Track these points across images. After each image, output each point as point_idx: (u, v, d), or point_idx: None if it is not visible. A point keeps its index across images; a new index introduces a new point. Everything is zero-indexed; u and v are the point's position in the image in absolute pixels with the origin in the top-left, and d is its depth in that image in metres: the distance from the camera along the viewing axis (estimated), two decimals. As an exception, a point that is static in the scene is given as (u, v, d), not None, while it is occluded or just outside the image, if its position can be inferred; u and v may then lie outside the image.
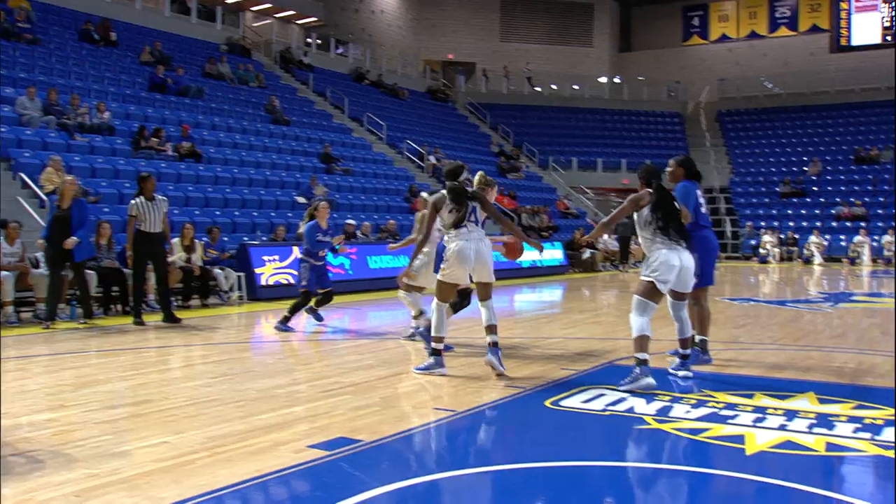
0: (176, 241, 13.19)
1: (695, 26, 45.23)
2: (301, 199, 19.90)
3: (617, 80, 43.75)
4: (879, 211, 31.67)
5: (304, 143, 24.30)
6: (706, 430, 5.43)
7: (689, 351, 7.38)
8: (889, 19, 38.89)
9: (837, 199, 32.65)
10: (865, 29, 39.17)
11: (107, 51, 23.35)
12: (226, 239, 15.40)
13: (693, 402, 6.24)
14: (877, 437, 5.25)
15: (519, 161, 34.56)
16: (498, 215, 7.82)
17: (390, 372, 7.70)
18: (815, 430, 5.45)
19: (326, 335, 10.60)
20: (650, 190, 7.06)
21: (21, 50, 20.59)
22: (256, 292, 14.33)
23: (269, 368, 8.01)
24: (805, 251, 29.55)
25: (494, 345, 7.38)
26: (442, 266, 7.50)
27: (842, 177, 34.45)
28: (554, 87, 42.06)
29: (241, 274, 14.24)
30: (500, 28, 44.37)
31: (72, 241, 10.53)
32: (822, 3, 42.08)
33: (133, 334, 10.17)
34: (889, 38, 38.37)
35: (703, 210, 8.01)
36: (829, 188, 33.90)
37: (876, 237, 29.45)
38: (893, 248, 28.34)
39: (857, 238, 28.98)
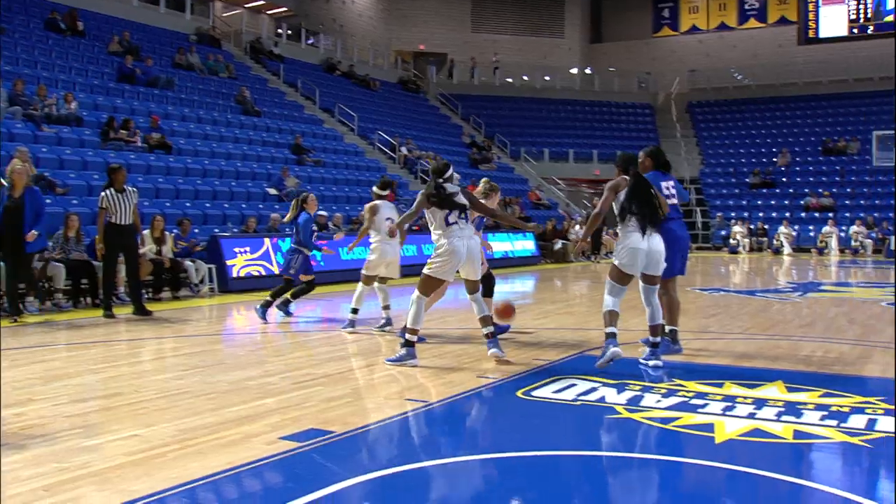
0: (146, 233, 13.09)
1: (665, 18, 45.42)
2: (272, 191, 19.82)
3: (588, 71, 43.87)
4: (847, 202, 32.06)
5: (275, 135, 24.18)
6: (676, 418, 5.48)
7: (659, 339, 7.45)
8: (855, 12, 39.27)
9: (806, 190, 33.00)
10: (832, 21, 39.52)
11: (74, 41, 23.07)
12: (196, 231, 15.30)
13: (663, 391, 6.30)
14: (843, 425, 5.33)
15: (490, 152, 34.59)
16: (491, 211, 7.92)
17: (362, 363, 7.70)
18: (783, 418, 5.51)
19: (298, 326, 10.57)
20: (626, 177, 7.26)
21: (-14, 39, 20.30)
22: (228, 284, 14.25)
23: (241, 360, 7.99)
24: (774, 241, 29.85)
25: (492, 335, 7.53)
26: (430, 261, 7.53)
27: (810, 168, 34.81)
28: (525, 78, 42.09)
29: (212, 266, 14.15)
30: (472, 19, 44.30)
31: (31, 236, 10.31)
32: (791, -5, 42.44)
33: (103, 327, 10.09)
34: (855, 30, 38.76)
35: (671, 202, 8.08)
36: (798, 179, 34.24)
37: (843, 227, 29.82)
38: (861, 239, 28.71)
39: (826, 228, 29.33)
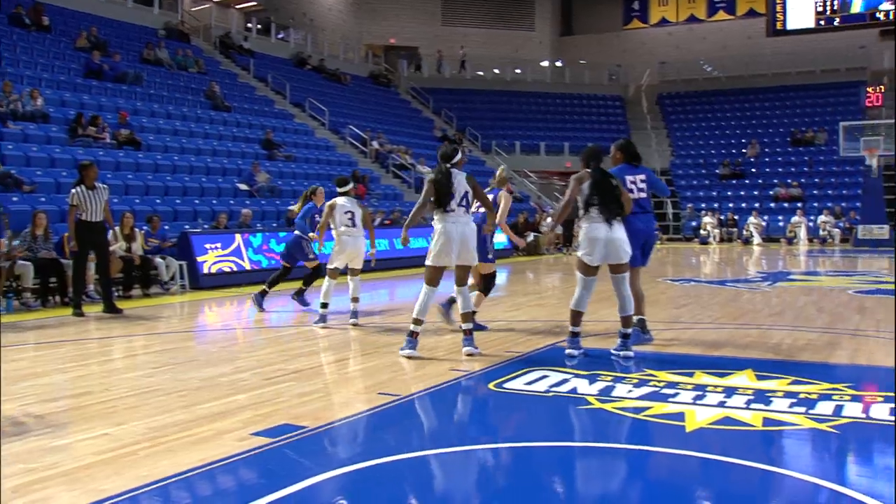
0: (116, 229, 12.97)
1: (635, 10, 45.60)
2: (243, 186, 19.71)
3: (558, 64, 43.98)
4: (815, 192, 32.40)
5: (246, 130, 24.04)
6: (647, 408, 5.52)
7: (629, 330, 7.51)
8: (822, 4, 39.62)
9: (775, 181, 33.30)
10: (800, 13, 39.82)
11: (39, 36, 22.76)
12: (167, 227, 15.19)
13: (635, 381, 6.34)
14: (811, 411, 5.39)
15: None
16: (489, 204, 7.88)
17: (334, 358, 7.69)
18: (753, 405, 5.57)
19: (270, 322, 10.53)
20: (589, 170, 7.40)
21: (-51, 35, 20.02)
22: (199, 280, 14.16)
23: (212, 357, 7.94)
24: (744, 232, 30.10)
25: (469, 332, 7.57)
26: (430, 249, 7.58)
27: (779, 158, 35.11)
28: (496, 71, 42.12)
29: (183, 262, 14.05)
30: (442, 12, 44.25)
31: None
32: (759, -13, 42.72)
33: (73, 326, 9.99)
34: (822, 22, 39.11)
35: (636, 196, 8.13)
36: (767, 170, 34.53)
37: (812, 217, 30.13)
38: (829, 228, 29.03)
39: (794, 219, 29.64)
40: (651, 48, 44.07)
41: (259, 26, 35.77)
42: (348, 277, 10.06)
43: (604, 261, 7.33)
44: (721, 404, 5.61)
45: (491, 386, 6.26)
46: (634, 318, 8.02)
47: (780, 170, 34.25)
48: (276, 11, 38.40)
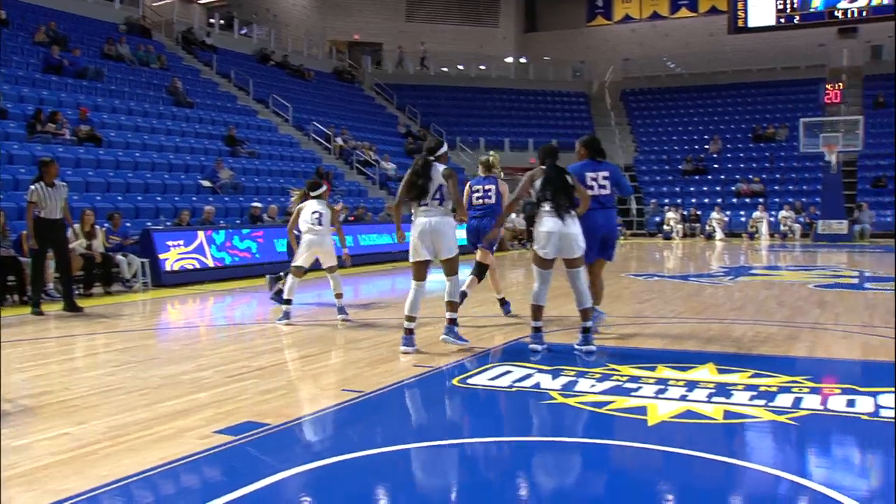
0: (76, 227, 12.80)
1: (599, 7, 45.78)
2: (206, 183, 19.56)
3: (523, 60, 44.08)
4: (776, 187, 32.80)
5: (209, 126, 23.84)
6: (610, 402, 5.56)
7: (589, 324, 7.56)
8: (783, 2, 40.06)
9: (737, 177, 33.65)
10: (761, 11, 40.14)
11: (-3, 31, 22.42)
12: (128, 225, 15.03)
13: (598, 376, 6.38)
14: (770, 404, 5.46)
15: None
16: (459, 202, 7.78)
17: (298, 354, 7.66)
18: (714, 399, 5.63)
19: (234, 320, 10.47)
20: (543, 167, 7.53)
21: None
22: (161, 278, 14.02)
23: (175, 355, 7.88)
24: (707, 227, 30.37)
25: (452, 322, 7.59)
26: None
27: (741, 154, 35.48)
28: (460, 67, 42.14)
29: (145, 260, 13.91)
30: (406, 9, 44.15)
31: None
32: (721, -16, 43.10)
33: (32, 324, 9.86)
34: (783, 20, 39.51)
35: (595, 192, 8.20)
36: (729, 165, 34.88)
37: (773, 213, 30.50)
38: (789, 224, 29.39)
39: (756, 214, 29.96)
40: (614, 45, 44.29)
41: (222, 22, 35.50)
42: (327, 275, 10.02)
43: (558, 254, 7.41)
44: (683, 398, 5.67)
45: (455, 382, 6.28)
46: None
47: (741, 165, 34.61)
48: (239, 7, 38.10)
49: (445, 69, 41.92)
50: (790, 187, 32.72)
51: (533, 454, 4.74)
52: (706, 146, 36.26)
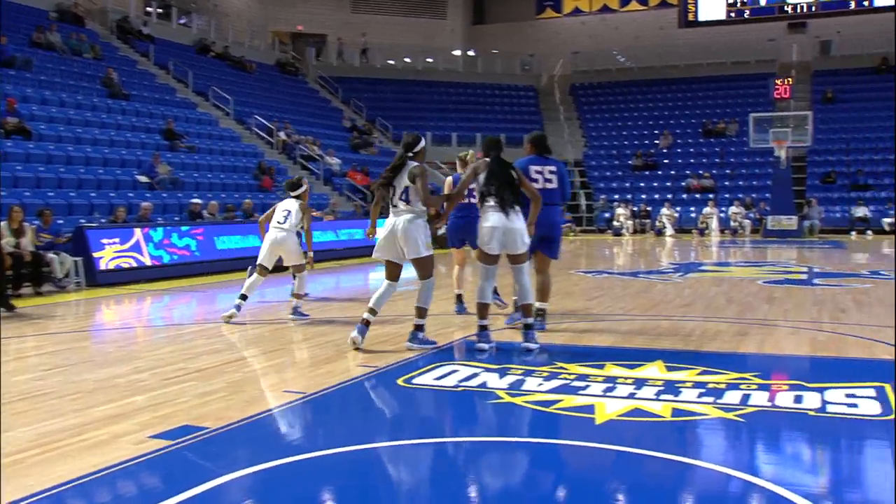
0: (3, 224, 12.54)
1: (548, -1, 46.09)
2: (143, 179, 19.29)
3: (471, 53, 44.14)
4: (726, 183, 33.32)
5: (146, 119, 23.49)
6: (557, 401, 5.60)
7: (531, 319, 7.64)
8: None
9: (687, 172, 34.11)
10: (711, 5, 40.72)
11: (-81, 18, 21.86)
12: (60, 222, 14.76)
13: (545, 374, 6.42)
14: (718, 401, 5.55)
15: (372, 136, 34.51)
16: (427, 200, 7.68)
17: (239, 355, 7.59)
18: (662, 396, 5.71)
19: (172, 320, 10.35)
20: (486, 160, 7.59)
21: None
22: (96, 277, 13.78)
23: (109, 357, 7.75)
24: (657, 223, 30.75)
25: (417, 328, 7.63)
26: None
27: (691, 150, 35.98)
28: (407, 60, 42.08)
29: (78, 259, 13.66)
30: (352, -1, 44.01)
31: None
32: (671, -23, 43.60)
33: (-43, 326, 9.63)
34: (733, 14, 40.12)
35: (541, 186, 8.32)
36: (680, 161, 35.35)
37: (723, 208, 30.97)
38: (739, 219, 29.88)
39: (706, 210, 30.41)
40: (564, 38, 44.57)
41: (160, 10, 34.95)
42: (293, 274, 10.11)
43: (502, 249, 7.47)
44: (631, 396, 5.74)
45: (400, 381, 6.27)
46: (537, 305, 8.23)
47: (692, 161, 35.09)
48: (178, -5, 37.60)
49: (392, 62, 41.82)
50: (740, 183, 33.27)
51: (479, 454, 4.76)
52: (656, 141, 36.68)
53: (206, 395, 5.88)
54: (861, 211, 29.38)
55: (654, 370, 6.55)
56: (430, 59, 42.42)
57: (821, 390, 5.79)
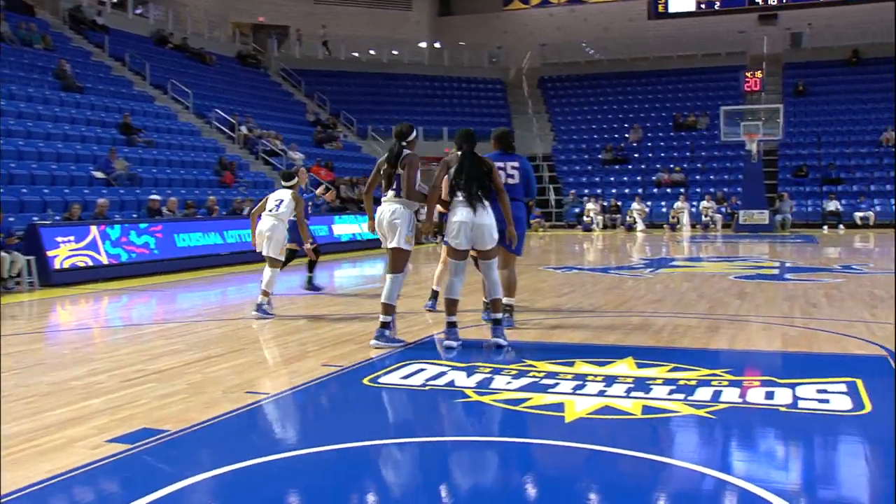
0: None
1: (516, -10, 46.17)
2: (99, 175, 19.09)
3: (437, 45, 44.14)
4: (697, 177, 33.60)
5: (101, 113, 23.26)
6: (526, 400, 5.62)
7: (500, 315, 7.66)
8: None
9: (658, 166, 34.36)
10: (681, -4, 41.14)
11: None
12: (12, 219, 14.59)
13: (514, 372, 6.45)
14: (690, 398, 5.60)
15: (336, 130, 34.40)
16: (411, 189, 7.69)
17: (200, 356, 7.53)
18: (633, 394, 5.75)
19: (131, 320, 10.26)
20: (458, 153, 7.63)
21: None
22: (50, 277, 13.63)
23: (65, 359, 7.67)
24: (627, 218, 30.95)
25: (382, 325, 7.60)
26: None
27: (661, 143, 36.25)
28: (372, 52, 41.99)
29: (31, 258, 13.50)
30: (315, -11, 43.82)
31: None
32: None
33: None
34: (703, 6, 40.45)
35: (501, 179, 8.39)
36: (650, 155, 35.60)
37: (694, 203, 31.24)
38: (711, 214, 30.15)
39: (677, 204, 30.66)
40: (532, 30, 44.69)
41: (114, 0, 34.60)
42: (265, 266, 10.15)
43: (470, 245, 7.51)
44: (601, 393, 5.77)
45: (365, 381, 6.27)
46: (504, 301, 8.27)
47: (662, 155, 35.35)
48: (134, -15, 37.22)
49: (356, 54, 41.71)
50: (711, 177, 33.58)
51: (446, 455, 4.77)
52: (626, 135, 36.91)
53: (166, 397, 5.84)
54: (833, 205, 29.77)
55: (625, 367, 6.60)
56: (395, 52, 42.37)
57: (792, 386, 5.86)
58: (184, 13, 37.19)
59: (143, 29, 33.79)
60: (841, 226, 28.80)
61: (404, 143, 7.74)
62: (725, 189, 32.04)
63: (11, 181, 16.89)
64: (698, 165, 34.39)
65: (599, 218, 31.14)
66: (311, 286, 12.27)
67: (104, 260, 14.53)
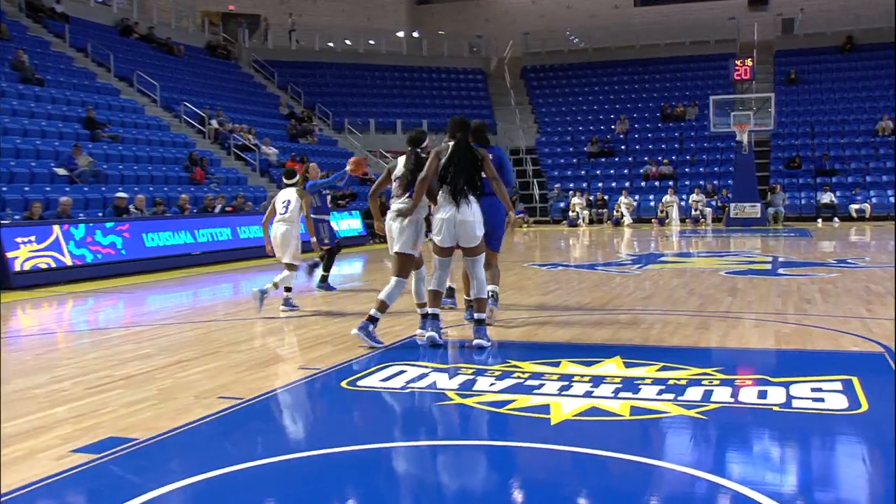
0: None
1: (497, -24, 46.19)
2: (61, 171, 18.97)
3: (415, 34, 44.08)
4: (687, 169, 33.70)
5: (63, 107, 23.10)
6: (511, 401, 5.63)
7: (483, 315, 7.69)
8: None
9: (645, 158, 34.45)
10: (668, -19, 41.30)
11: None
12: (-30, 219, 14.48)
13: (498, 373, 6.45)
14: (680, 398, 5.62)
15: (311, 124, 34.32)
16: (418, 192, 7.76)
17: (171, 360, 7.50)
18: (621, 394, 5.76)
19: (97, 324, 10.20)
20: (450, 143, 7.61)
21: None
22: (10, 280, 13.51)
23: (27, 366, 7.61)
24: (615, 213, 31.04)
25: (370, 318, 7.70)
26: None
27: (649, 135, 36.33)
28: (348, 42, 41.89)
29: (-9, 259, 13.42)
30: (288, -24, 43.70)
31: None
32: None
33: None
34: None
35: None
36: (637, 147, 35.68)
37: (684, 196, 31.34)
38: (701, 208, 30.27)
39: (666, 198, 30.76)
40: (514, 18, 44.72)
41: (75, -12, 34.36)
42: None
43: (454, 242, 7.54)
44: (588, 394, 5.78)
45: (343, 384, 6.26)
46: (488, 288, 8.34)
47: (650, 147, 35.42)
48: (96, -28, 37.00)
49: (332, 44, 41.59)
50: (701, 169, 33.70)
51: (428, 459, 4.77)
52: (612, 126, 36.97)
53: (134, 405, 5.81)
54: (827, 197, 29.89)
55: (612, 367, 6.61)
56: (372, 42, 42.28)
57: (786, 385, 5.89)
58: (149, 1, 36.96)
59: (106, 18, 33.57)
60: (836, 219, 28.94)
61: (419, 150, 7.90)
62: (715, 182, 32.17)
63: (-31, 179, 16.78)
64: (687, 157, 34.51)
65: (585, 213, 31.21)
66: (324, 285, 12.44)
67: (68, 261, 14.44)
